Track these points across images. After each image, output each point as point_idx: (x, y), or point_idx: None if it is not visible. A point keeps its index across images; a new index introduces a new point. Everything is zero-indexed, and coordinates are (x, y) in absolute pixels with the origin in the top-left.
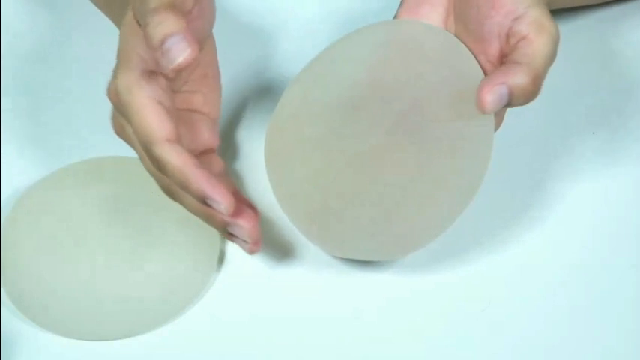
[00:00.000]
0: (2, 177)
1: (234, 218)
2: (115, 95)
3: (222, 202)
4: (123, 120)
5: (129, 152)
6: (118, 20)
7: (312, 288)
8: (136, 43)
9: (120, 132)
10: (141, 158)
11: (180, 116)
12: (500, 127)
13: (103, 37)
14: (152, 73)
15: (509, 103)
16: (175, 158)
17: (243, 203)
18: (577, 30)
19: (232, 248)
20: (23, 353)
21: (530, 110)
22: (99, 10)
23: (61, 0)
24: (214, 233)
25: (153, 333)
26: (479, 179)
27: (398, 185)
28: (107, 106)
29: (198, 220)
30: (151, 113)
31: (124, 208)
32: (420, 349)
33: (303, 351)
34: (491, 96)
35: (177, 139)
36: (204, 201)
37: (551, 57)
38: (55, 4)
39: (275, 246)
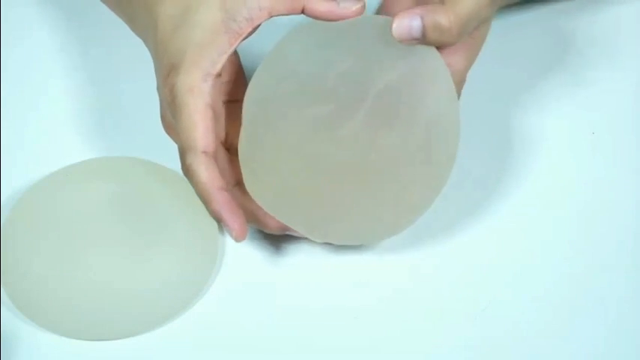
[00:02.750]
0: (2, 177)
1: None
2: (170, 93)
3: (233, 230)
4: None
5: (129, 152)
6: (127, 18)
7: (312, 287)
8: (205, 45)
9: (169, 128)
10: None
11: (230, 108)
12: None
13: (103, 37)
14: (214, 75)
15: (424, 38)
16: (204, 172)
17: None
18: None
19: (232, 248)
20: (23, 353)
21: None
22: (101, 8)
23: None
24: (214, 233)
25: (153, 333)
26: (452, 156)
27: (378, 166)
28: (107, 106)
29: (198, 220)
30: (201, 120)
31: (124, 208)
32: (420, 349)
33: (303, 350)
34: (402, 22)
35: (214, 154)
36: (218, 220)
37: (478, 11)
38: (58, 2)
39: (275, 246)
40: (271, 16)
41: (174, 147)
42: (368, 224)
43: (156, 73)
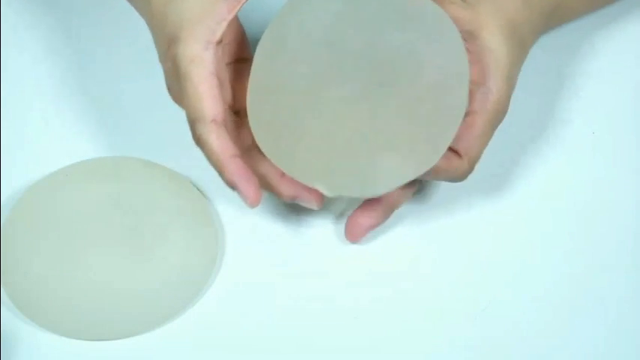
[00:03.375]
0: (2, 177)
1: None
2: (173, 64)
3: (248, 197)
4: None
5: (129, 152)
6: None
7: (312, 287)
8: (204, 14)
9: (177, 98)
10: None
11: (234, 69)
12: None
13: (103, 37)
14: (215, 43)
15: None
16: (215, 141)
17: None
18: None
19: (232, 248)
20: (23, 353)
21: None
22: (102, 8)
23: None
24: (214, 233)
25: (152, 333)
26: (462, 106)
27: (378, 126)
28: (107, 106)
29: (198, 220)
30: (206, 90)
31: (124, 208)
32: (420, 349)
33: (303, 350)
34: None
35: (224, 122)
36: (232, 188)
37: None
38: (58, 1)
39: (275, 246)
40: None
41: (174, 147)
42: (378, 169)
43: (156, 45)
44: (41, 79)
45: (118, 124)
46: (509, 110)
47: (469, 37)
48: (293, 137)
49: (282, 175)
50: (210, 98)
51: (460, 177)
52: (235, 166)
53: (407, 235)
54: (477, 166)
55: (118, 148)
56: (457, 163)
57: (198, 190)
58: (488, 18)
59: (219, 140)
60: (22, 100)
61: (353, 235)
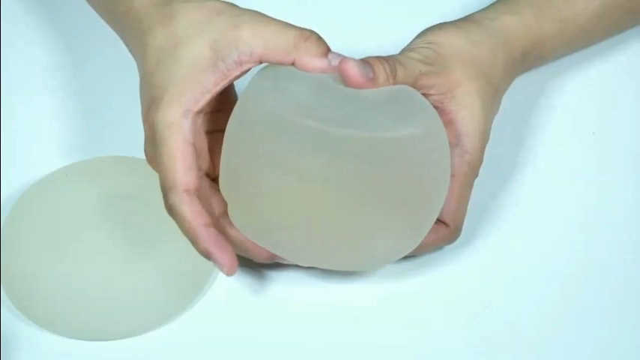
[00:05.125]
0: (2, 177)
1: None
2: (150, 128)
3: (224, 266)
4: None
5: (129, 152)
6: (123, 41)
7: (312, 287)
8: (189, 82)
9: (152, 161)
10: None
11: (212, 138)
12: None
13: (103, 37)
14: (195, 112)
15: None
16: (187, 211)
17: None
18: None
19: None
20: (23, 353)
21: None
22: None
23: (63, 0)
24: None
25: (152, 333)
26: (444, 183)
27: (359, 210)
28: (107, 106)
29: None
30: (181, 158)
31: (124, 208)
32: (420, 348)
33: (303, 350)
34: None
35: (196, 191)
36: (207, 258)
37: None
38: (56, 4)
39: None
40: (261, 63)
41: None
42: (355, 250)
43: (140, 102)
44: (41, 78)
45: (118, 124)
46: (509, 110)
47: (444, 98)
48: (265, 215)
49: None
50: (183, 167)
51: (449, 243)
52: (208, 236)
53: None
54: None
55: (118, 148)
56: (444, 233)
57: None
58: (462, 75)
59: (191, 210)
60: (21, 100)
61: None
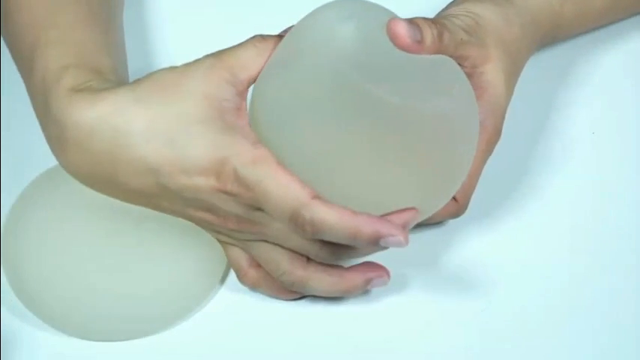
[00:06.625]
0: (2, 177)
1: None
2: (236, 183)
3: (398, 233)
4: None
5: None
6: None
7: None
8: (231, 130)
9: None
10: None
11: None
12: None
13: None
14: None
15: None
16: (330, 212)
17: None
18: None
19: None
20: (23, 353)
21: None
22: None
23: None
24: None
25: (155, 336)
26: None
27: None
28: None
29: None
30: (285, 176)
31: (126, 206)
32: (421, 348)
33: (303, 350)
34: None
35: (317, 195)
36: (374, 243)
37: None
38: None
39: None
40: (250, 85)
41: None
42: (379, 202)
43: (169, 184)
44: None
45: None
46: (509, 110)
47: (474, 72)
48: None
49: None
50: (295, 182)
51: (455, 217)
52: (364, 219)
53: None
54: None
55: None
56: (453, 207)
57: None
58: (494, 52)
59: (332, 209)
60: (21, 100)
61: None
